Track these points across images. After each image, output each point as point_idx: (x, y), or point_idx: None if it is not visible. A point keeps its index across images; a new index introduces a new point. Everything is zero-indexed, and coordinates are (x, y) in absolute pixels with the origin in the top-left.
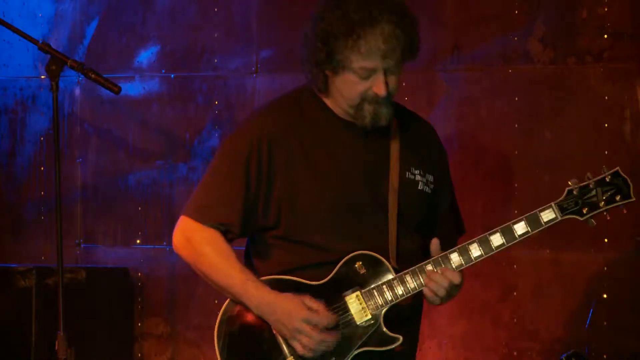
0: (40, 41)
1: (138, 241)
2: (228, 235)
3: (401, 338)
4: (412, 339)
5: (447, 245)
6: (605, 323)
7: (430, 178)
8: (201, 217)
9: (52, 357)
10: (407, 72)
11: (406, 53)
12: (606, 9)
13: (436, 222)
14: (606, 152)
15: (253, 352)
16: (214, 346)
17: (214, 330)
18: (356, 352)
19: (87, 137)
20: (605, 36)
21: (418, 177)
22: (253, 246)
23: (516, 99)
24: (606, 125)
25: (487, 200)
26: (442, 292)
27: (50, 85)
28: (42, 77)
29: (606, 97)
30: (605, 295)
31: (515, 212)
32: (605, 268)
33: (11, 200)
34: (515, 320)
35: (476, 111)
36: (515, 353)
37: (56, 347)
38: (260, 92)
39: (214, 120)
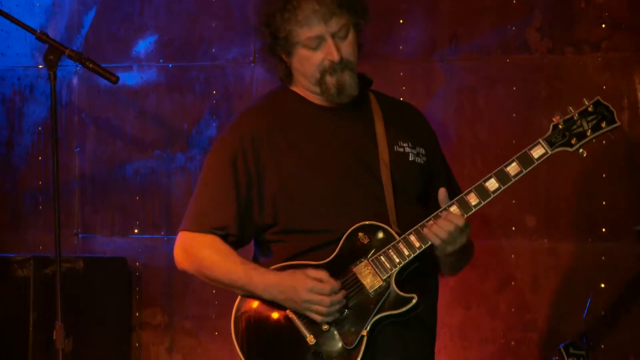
0: (38, 31)
1: (136, 231)
2: (229, 239)
3: (415, 296)
4: (429, 301)
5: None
6: (603, 313)
7: (422, 150)
8: (197, 226)
9: (50, 346)
10: (406, 62)
11: (351, 15)
12: None
13: (434, 194)
14: (603, 142)
15: (273, 341)
16: (233, 344)
17: (210, 320)
18: (375, 318)
19: (85, 127)
20: (603, 26)
21: (408, 149)
22: (258, 248)
23: (514, 88)
24: None
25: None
26: (444, 235)
27: (48, 74)
28: (40, 66)
29: (604, 87)
30: (603, 285)
31: (513, 201)
32: (603, 258)
33: (9, 190)
34: (513, 310)
35: (474, 101)
36: (512, 343)
37: (54, 337)
38: (258, 81)
39: (211, 110)
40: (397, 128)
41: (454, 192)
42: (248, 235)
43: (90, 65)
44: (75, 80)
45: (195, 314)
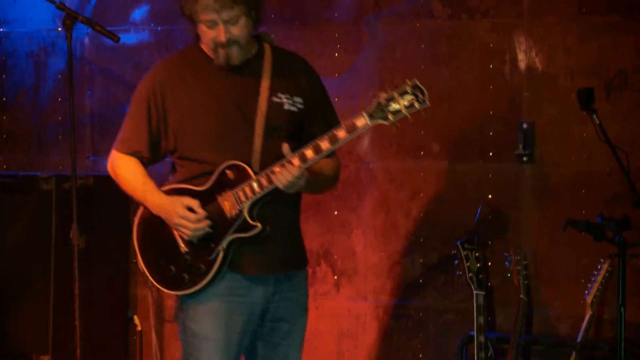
0: (58, 1)
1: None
2: (143, 160)
3: (259, 225)
4: (280, 228)
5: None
6: (490, 217)
7: (299, 100)
8: (120, 148)
9: (67, 243)
10: (340, 25)
11: (243, 7)
12: None
13: (314, 132)
14: (491, 87)
15: (159, 244)
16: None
17: None
18: (229, 237)
19: (94, 76)
20: None
21: (284, 100)
22: (171, 166)
23: (422, 46)
24: (491, 66)
25: (401, 124)
26: (284, 181)
27: (66, 35)
28: (59, 29)
29: (491, 45)
30: (490, 196)
31: (422, 132)
32: (490, 175)
33: (36, 124)
34: (422, 214)
35: (392, 55)
36: (421, 240)
37: (71, 235)
38: None
39: None
40: (280, 81)
41: (330, 129)
42: (159, 156)
43: (98, 28)
44: (86, 40)
45: None
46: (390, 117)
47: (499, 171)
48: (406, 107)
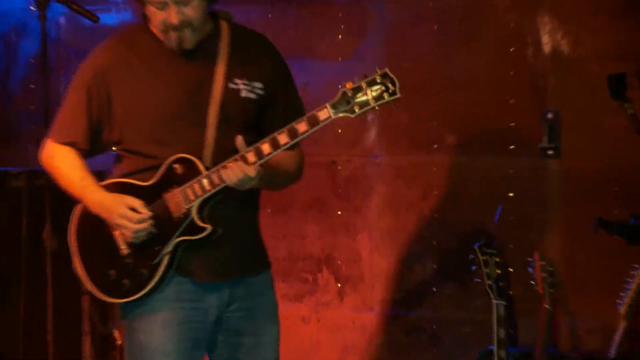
0: None
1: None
2: (81, 152)
3: (209, 227)
4: (233, 230)
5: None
6: (511, 218)
7: (258, 85)
8: (55, 137)
9: (39, 243)
10: (343, 6)
11: None
12: None
13: (275, 122)
14: (511, 73)
15: (99, 246)
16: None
17: None
18: (175, 240)
19: (70, 59)
20: None
21: (241, 86)
22: (114, 157)
23: (435, 27)
24: (512, 49)
25: (411, 114)
26: (235, 179)
27: (39, 15)
28: (32, 8)
29: (512, 25)
30: (511, 194)
31: (435, 123)
32: (511, 171)
33: (6, 113)
34: (435, 215)
35: (401, 37)
36: (434, 243)
37: (43, 237)
38: None
39: None
40: (238, 65)
41: (293, 119)
42: (98, 148)
43: (75, 7)
44: (62, 20)
45: None
46: (356, 109)
47: (521, 166)
48: (374, 98)
